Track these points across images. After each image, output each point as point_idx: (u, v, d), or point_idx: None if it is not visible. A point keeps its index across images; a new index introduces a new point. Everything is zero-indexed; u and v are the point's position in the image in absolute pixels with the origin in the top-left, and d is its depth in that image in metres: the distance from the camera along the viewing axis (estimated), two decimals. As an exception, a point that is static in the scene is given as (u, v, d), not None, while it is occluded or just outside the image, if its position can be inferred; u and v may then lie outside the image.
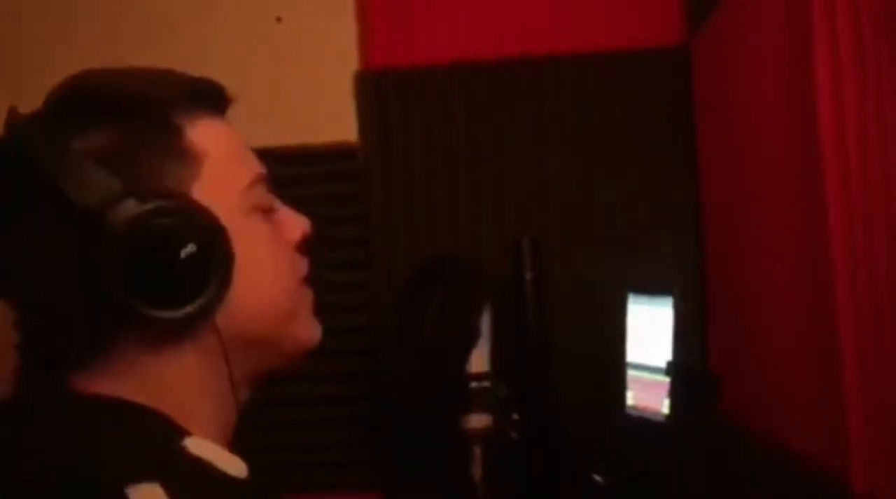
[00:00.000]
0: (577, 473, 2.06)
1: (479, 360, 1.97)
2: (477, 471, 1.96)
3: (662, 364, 1.90)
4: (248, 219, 0.73)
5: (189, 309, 0.66)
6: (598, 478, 2.02)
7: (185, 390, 0.70)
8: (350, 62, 2.46)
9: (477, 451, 1.97)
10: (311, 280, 0.79)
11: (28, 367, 0.72)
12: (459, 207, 2.38)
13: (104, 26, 2.51)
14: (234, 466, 0.69)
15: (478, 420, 1.96)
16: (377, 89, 2.41)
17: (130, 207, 0.64)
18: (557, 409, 2.23)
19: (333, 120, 2.44)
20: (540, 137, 2.39)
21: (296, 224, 0.78)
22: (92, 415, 0.67)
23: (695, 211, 2.31)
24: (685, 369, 1.89)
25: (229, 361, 0.70)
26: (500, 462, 2.02)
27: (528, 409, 2.10)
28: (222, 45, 2.47)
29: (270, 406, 2.36)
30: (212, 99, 0.75)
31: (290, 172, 2.39)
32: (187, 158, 0.70)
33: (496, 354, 2.02)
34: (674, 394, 1.87)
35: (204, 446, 0.68)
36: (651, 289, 2.05)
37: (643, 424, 2.04)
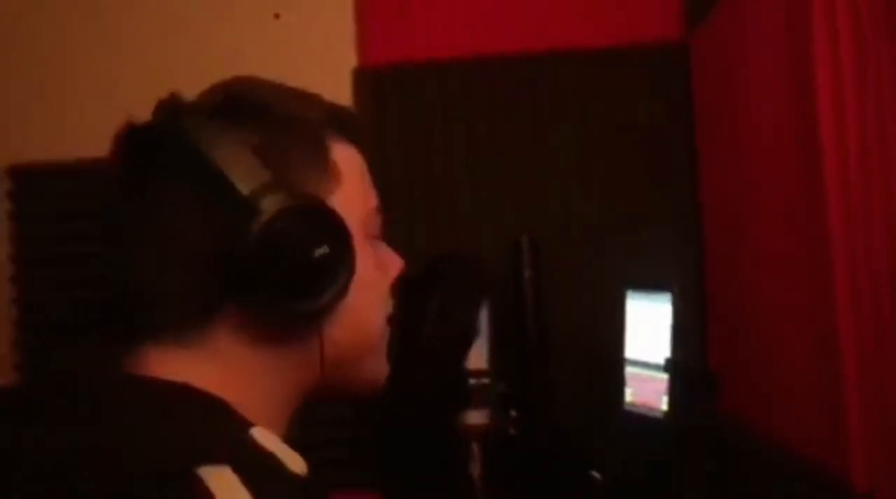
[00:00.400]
0: (576, 470, 2.06)
1: (477, 357, 1.98)
2: (476, 468, 1.97)
3: (661, 361, 1.91)
4: (365, 244, 0.75)
5: (309, 306, 0.69)
6: (596, 475, 2.02)
7: (258, 388, 0.72)
8: (348, 59, 2.45)
9: (475, 448, 1.97)
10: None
11: (99, 338, 0.74)
12: (458, 205, 2.39)
13: (103, 23, 2.52)
14: (296, 461, 0.69)
15: (476, 417, 1.97)
16: (375, 86, 2.41)
17: (280, 199, 0.67)
18: (556, 406, 2.23)
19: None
20: (539, 134, 2.39)
21: (395, 262, 0.80)
22: (161, 398, 0.68)
23: (694, 208, 2.31)
24: (684, 367, 1.90)
25: (323, 367, 0.72)
26: (498, 459, 2.02)
27: (526, 406, 2.11)
28: (220, 41, 2.47)
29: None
30: (350, 127, 0.78)
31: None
32: (329, 172, 0.73)
33: (495, 352, 2.03)
34: (672, 391, 1.88)
35: (270, 439, 0.68)
36: (650, 286, 2.06)
37: (642, 421, 2.04)
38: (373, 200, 0.78)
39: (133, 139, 0.71)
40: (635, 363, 2.09)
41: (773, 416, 1.84)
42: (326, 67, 2.44)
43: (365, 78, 2.42)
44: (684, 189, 2.33)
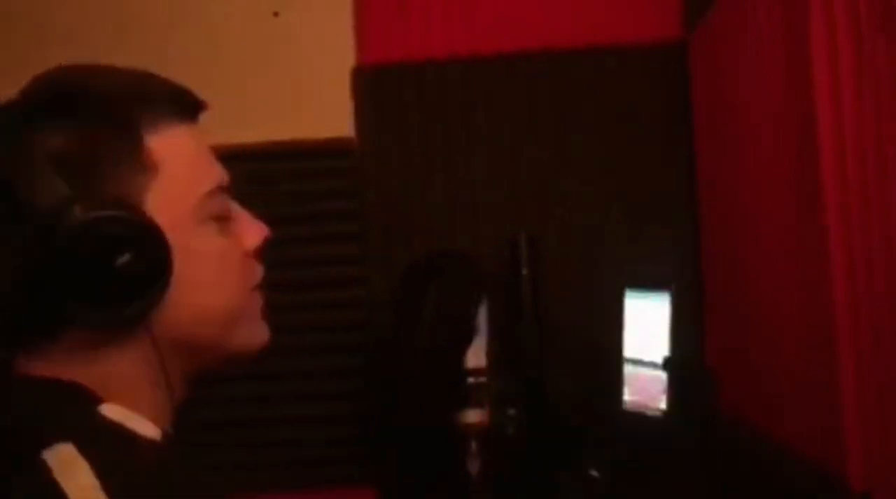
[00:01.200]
0: (574, 468, 2.05)
1: (475, 355, 1.97)
2: (474, 466, 1.97)
3: (660, 360, 1.91)
4: (200, 227, 0.76)
5: (127, 312, 0.71)
6: (594, 473, 2.01)
7: (121, 381, 0.74)
8: (347, 57, 2.45)
9: (473, 446, 1.97)
10: (262, 285, 0.82)
11: None
12: (456, 203, 2.38)
13: (102, 20, 2.51)
14: (148, 428, 0.72)
15: (475, 416, 1.96)
16: (374, 85, 2.40)
17: (75, 214, 0.68)
18: (554, 404, 2.23)
19: (330, 115, 2.43)
20: (537, 132, 2.39)
21: (255, 231, 0.81)
22: (19, 391, 0.73)
23: (692, 206, 2.31)
24: (682, 365, 1.90)
25: (163, 361, 0.74)
26: (496, 458, 2.02)
27: (524, 404, 2.11)
28: (219, 40, 2.47)
29: (266, 402, 2.37)
30: (181, 105, 0.77)
31: (286, 168, 2.39)
32: (144, 165, 0.73)
33: (493, 350, 2.02)
34: (671, 389, 1.88)
35: (118, 411, 0.71)
36: (648, 284, 2.05)
37: (640, 419, 2.04)
38: (211, 181, 0.77)
39: None
40: (634, 362, 2.09)
41: (771, 414, 1.84)
42: (325, 66, 2.45)
43: (363, 77, 2.41)
44: (682, 187, 2.33)
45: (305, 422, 2.37)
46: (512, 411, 2.07)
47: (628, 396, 2.10)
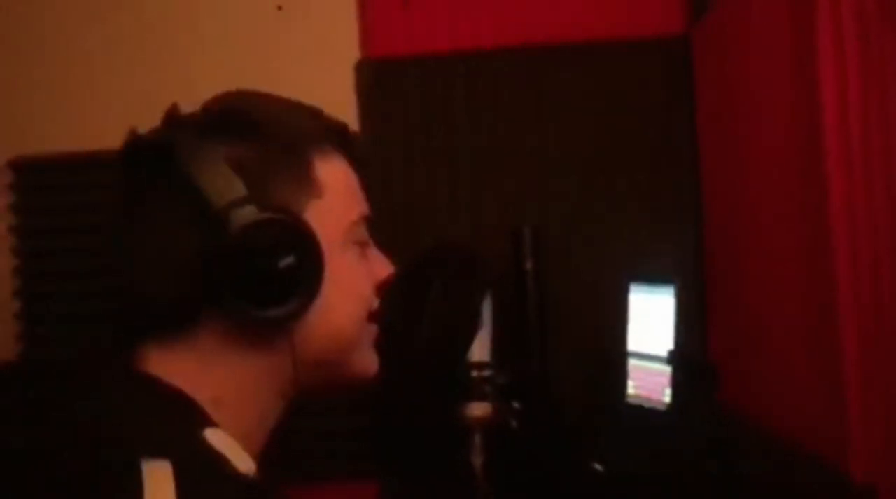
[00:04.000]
0: (578, 462, 2.06)
1: (480, 349, 1.97)
2: (477, 459, 1.96)
3: (664, 353, 1.92)
4: (346, 250, 0.81)
5: (276, 312, 0.74)
6: (598, 467, 2.02)
7: (236, 387, 0.77)
8: (351, 51, 2.46)
9: (477, 439, 1.96)
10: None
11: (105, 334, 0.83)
12: (460, 196, 2.39)
13: (106, 17, 2.51)
14: (244, 461, 0.74)
15: (478, 409, 1.95)
16: (378, 78, 2.41)
17: (249, 213, 0.72)
18: (558, 398, 2.24)
19: (334, 108, 2.42)
20: (541, 126, 2.39)
21: (383, 266, 0.87)
22: (132, 391, 0.75)
23: (695, 200, 2.32)
24: (686, 358, 1.90)
25: (302, 373, 0.78)
26: (500, 451, 2.02)
27: (528, 398, 2.09)
28: (223, 34, 2.48)
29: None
30: (344, 140, 0.84)
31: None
32: (310, 185, 0.79)
33: (497, 344, 2.02)
34: (675, 383, 1.89)
35: (221, 439, 0.73)
36: (653, 279, 2.06)
37: (645, 413, 2.05)
38: (358, 211, 0.83)
39: (132, 151, 0.77)
40: (638, 356, 2.10)
41: (773, 407, 1.85)
42: (329, 59, 2.46)
43: (367, 70, 2.42)
44: (686, 182, 2.33)
45: (307, 414, 2.37)
46: (516, 405, 2.05)
47: (632, 389, 2.11)
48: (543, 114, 2.39)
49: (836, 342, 1.49)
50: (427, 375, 1.95)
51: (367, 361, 0.85)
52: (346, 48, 2.45)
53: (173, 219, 0.75)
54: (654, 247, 2.23)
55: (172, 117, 0.78)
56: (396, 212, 2.35)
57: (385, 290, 0.86)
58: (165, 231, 0.75)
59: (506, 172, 2.39)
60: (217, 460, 0.72)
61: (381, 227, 0.83)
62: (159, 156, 0.75)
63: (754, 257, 1.95)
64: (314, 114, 0.84)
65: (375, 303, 0.85)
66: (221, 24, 2.49)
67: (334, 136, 0.84)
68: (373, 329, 0.85)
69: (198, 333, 0.76)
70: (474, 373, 1.96)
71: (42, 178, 2.51)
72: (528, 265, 2.18)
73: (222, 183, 0.73)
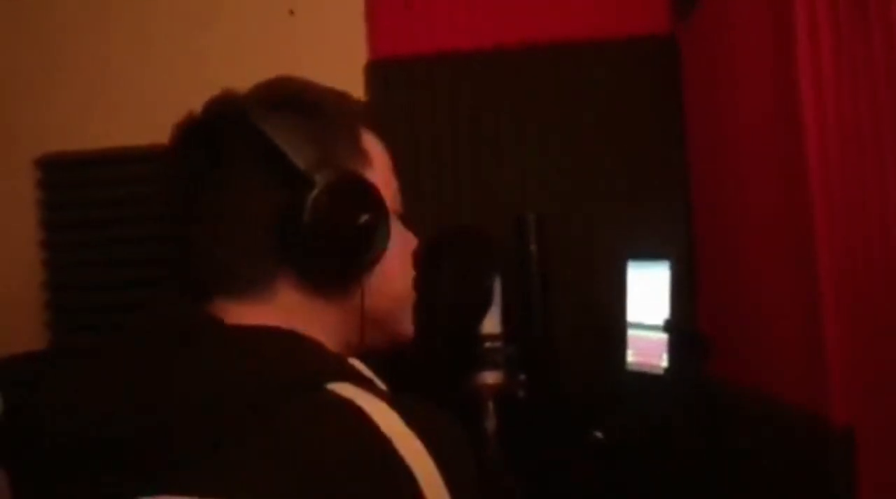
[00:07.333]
0: (580, 430, 2.12)
1: (491, 322, 2.05)
2: (490, 424, 2.04)
3: (660, 322, 2.00)
4: (394, 217, 0.84)
5: (354, 264, 0.78)
6: (598, 435, 2.09)
7: (323, 333, 0.79)
8: (360, 52, 2.53)
9: (490, 406, 2.04)
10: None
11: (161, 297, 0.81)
12: (466, 187, 2.45)
13: (129, 20, 2.60)
14: (380, 382, 0.78)
15: (491, 377, 2.04)
16: (386, 78, 2.47)
17: (331, 174, 0.77)
18: (562, 369, 2.31)
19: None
20: (541, 120, 2.46)
21: (412, 238, 0.90)
22: (274, 337, 0.75)
23: (685, 186, 2.38)
24: (681, 326, 1.99)
25: (364, 318, 0.81)
26: (510, 417, 2.08)
27: (534, 369, 2.17)
28: (239, 37, 2.56)
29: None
30: (376, 122, 0.87)
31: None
32: (364, 156, 0.82)
33: (505, 319, 2.09)
34: (672, 348, 1.97)
35: (360, 365, 0.78)
36: (648, 255, 2.13)
37: (643, 378, 2.11)
38: (395, 183, 0.87)
39: (199, 127, 0.79)
40: (636, 326, 2.17)
41: (758, 372, 1.89)
42: (339, 61, 2.50)
43: (376, 71, 2.48)
44: (676, 167, 2.39)
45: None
46: (522, 376, 2.13)
47: (631, 357, 2.18)
48: (543, 109, 2.46)
49: (817, 303, 1.53)
50: (444, 345, 2.04)
51: (409, 324, 0.88)
52: (355, 50, 2.52)
53: (261, 182, 0.77)
54: (648, 227, 2.31)
55: (234, 99, 0.80)
56: (407, 204, 2.41)
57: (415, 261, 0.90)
58: (255, 194, 0.77)
59: (509, 163, 2.46)
60: (372, 381, 0.76)
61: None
62: (236, 128, 0.77)
63: (739, 237, 2.00)
64: (349, 95, 0.87)
65: (412, 273, 0.89)
66: (237, 27, 2.57)
67: (364, 114, 0.87)
68: (413, 296, 0.89)
69: (276, 290, 0.78)
70: (487, 344, 2.04)
71: (67, 174, 2.58)
72: (532, 247, 2.26)
73: (302, 149, 0.76)
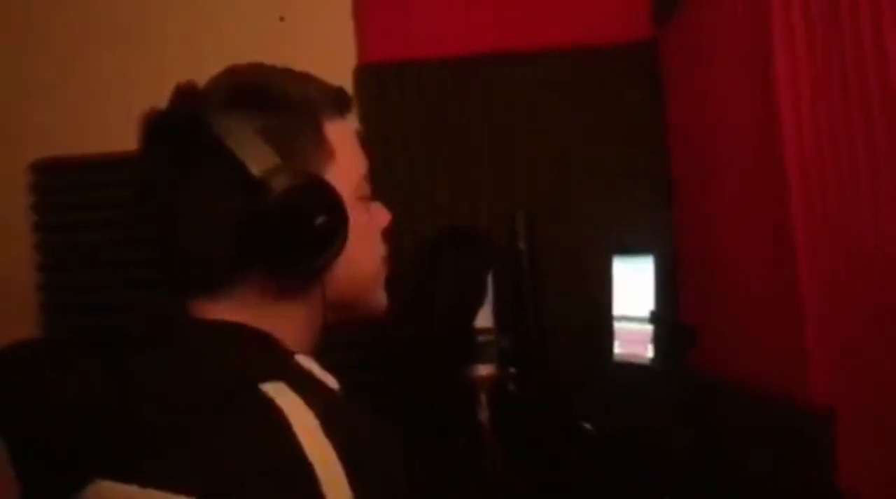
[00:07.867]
0: (568, 422, 2.15)
1: (484, 316, 2.10)
2: (484, 415, 2.08)
3: (645, 314, 2.06)
4: (356, 205, 0.85)
5: (312, 265, 0.80)
6: (587, 426, 2.12)
7: (280, 331, 0.82)
8: (349, 58, 2.55)
9: (483, 397, 2.08)
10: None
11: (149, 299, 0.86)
12: (457, 189, 2.47)
13: (120, 26, 2.60)
14: (331, 380, 0.81)
15: (484, 370, 2.09)
16: (376, 82, 2.50)
17: (286, 179, 0.77)
18: (551, 361, 2.35)
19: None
20: (528, 124, 2.50)
21: (384, 215, 0.93)
22: (225, 335, 0.80)
23: (667, 185, 2.43)
24: (665, 318, 2.05)
25: (328, 313, 0.84)
26: (502, 409, 2.12)
27: (524, 362, 2.22)
28: (230, 43, 2.56)
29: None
30: (342, 101, 0.88)
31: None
32: (325, 149, 0.83)
33: (498, 313, 2.14)
34: (657, 339, 2.03)
35: (308, 363, 0.81)
36: (633, 249, 2.19)
37: (630, 369, 2.16)
38: (363, 167, 0.88)
39: (160, 125, 0.80)
40: (622, 318, 2.22)
41: (739, 362, 1.93)
42: (329, 66, 2.51)
43: (366, 75, 2.50)
44: (660, 167, 2.45)
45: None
46: (512, 370, 2.18)
47: (618, 348, 2.24)
48: (531, 113, 2.49)
49: (795, 292, 1.58)
50: (441, 339, 2.06)
51: (381, 299, 0.91)
52: (344, 55, 2.54)
53: (216, 186, 0.78)
54: (633, 223, 2.36)
55: (191, 94, 0.81)
56: (400, 207, 2.35)
57: (388, 235, 0.92)
58: (209, 197, 0.78)
59: (498, 165, 2.49)
60: (315, 379, 0.78)
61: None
62: (193, 129, 0.77)
63: (720, 229, 2.03)
64: (309, 79, 0.86)
65: (384, 248, 0.91)
66: (228, 33, 2.57)
67: (332, 98, 0.86)
68: (384, 271, 0.91)
69: (241, 288, 0.81)
70: (480, 338, 2.08)
71: (61, 179, 2.58)
72: (522, 245, 2.31)
73: (258, 152, 0.76)
